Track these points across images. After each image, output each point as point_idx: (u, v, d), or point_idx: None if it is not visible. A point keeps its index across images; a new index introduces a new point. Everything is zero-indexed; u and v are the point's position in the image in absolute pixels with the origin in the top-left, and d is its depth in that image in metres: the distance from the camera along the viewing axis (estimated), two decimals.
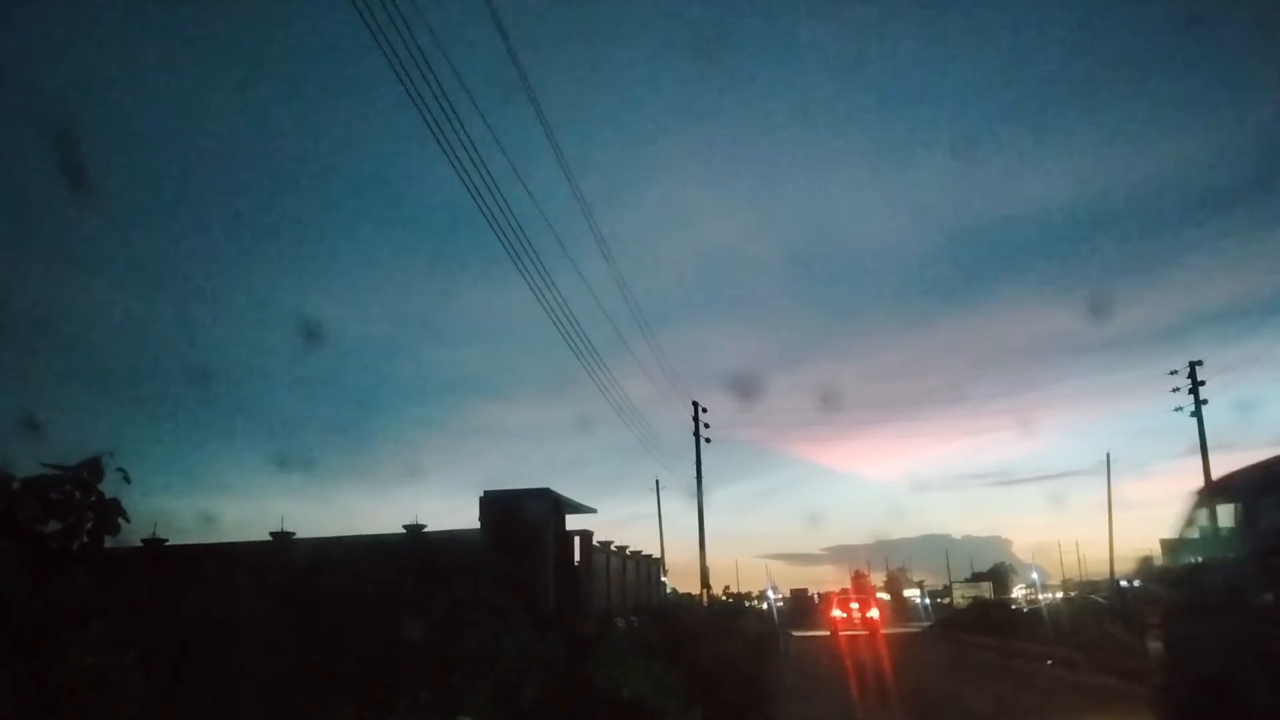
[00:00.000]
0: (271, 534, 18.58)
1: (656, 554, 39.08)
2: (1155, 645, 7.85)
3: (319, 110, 63.74)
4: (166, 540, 16.56)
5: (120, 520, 4.08)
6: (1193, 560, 7.62)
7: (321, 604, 8.89)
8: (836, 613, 35.22)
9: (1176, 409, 34.93)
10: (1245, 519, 6.68)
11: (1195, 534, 7.40)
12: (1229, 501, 7.00)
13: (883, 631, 32.54)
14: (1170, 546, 7.89)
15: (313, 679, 6.00)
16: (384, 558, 15.97)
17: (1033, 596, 54.18)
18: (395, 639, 7.66)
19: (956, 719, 11.04)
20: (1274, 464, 6.42)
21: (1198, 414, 34.28)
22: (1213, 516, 7.21)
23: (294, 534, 18.56)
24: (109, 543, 4.13)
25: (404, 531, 18.40)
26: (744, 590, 75.34)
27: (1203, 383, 34.34)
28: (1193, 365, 34.58)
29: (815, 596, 66.06)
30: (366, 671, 6.49)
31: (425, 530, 18.47)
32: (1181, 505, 7.57)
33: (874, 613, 35.34)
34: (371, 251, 69.83)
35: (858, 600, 37.01)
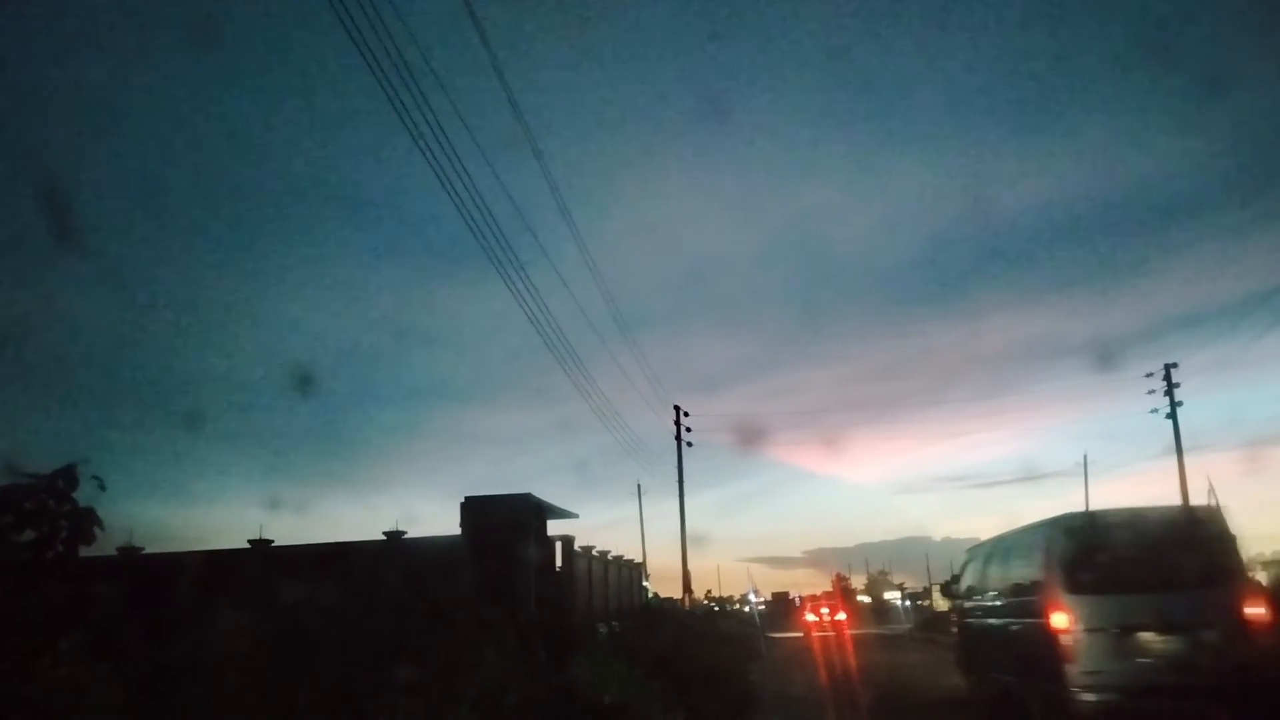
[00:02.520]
0: (249, 542, 18.43)
1: (638, 558, 39.10)
2: (953, 629, 15.09)
3: (298, 116, 63.41)
4: (143, 549, 16.41)
5: (95, 529, 4.03)
6: (959, 587, 13.35)
7: (299, 612, 8.82)
8: (810, 616, 40.44)
9: (1152, 411, 35.36)
10: (965, 570, 13.12)
11: (962, 573, 13.23)
12: (966, 560, 13.25)
13: (849, 632, 36.09)
14: (953, 576, 14.52)
15: (290, 689, 5.94)
16: (364, 565, 15.86)
17: None
18: (374, 647, 7.61)
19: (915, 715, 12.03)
20: (978, 547, 12.91)
21: (1173, 416, 34.69)
22: (965, 565, 13.20)
23: (272, 542, 18.42)
24: (84, 552, 4.08)
25: (384, 538, 18.30)
26: (726, 594, 75.55)
27: (1178, 385, 34.77)
28: (1168, 368, 35.01)
29: (796, 599, 66.38)
30: (345, 681, 6.44)
31: (406, 536, 18.38)
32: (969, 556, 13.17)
33: (841, 615, 40.02)
34: (352, 257, 69.53)
35: (828, 605, 42.32)
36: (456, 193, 11.22)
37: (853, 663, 19.76)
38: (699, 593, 56.77)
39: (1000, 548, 11.40)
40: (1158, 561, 8.47)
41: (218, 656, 6.06)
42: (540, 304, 15.73)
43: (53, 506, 3.93)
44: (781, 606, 65.20)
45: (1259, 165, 72.47)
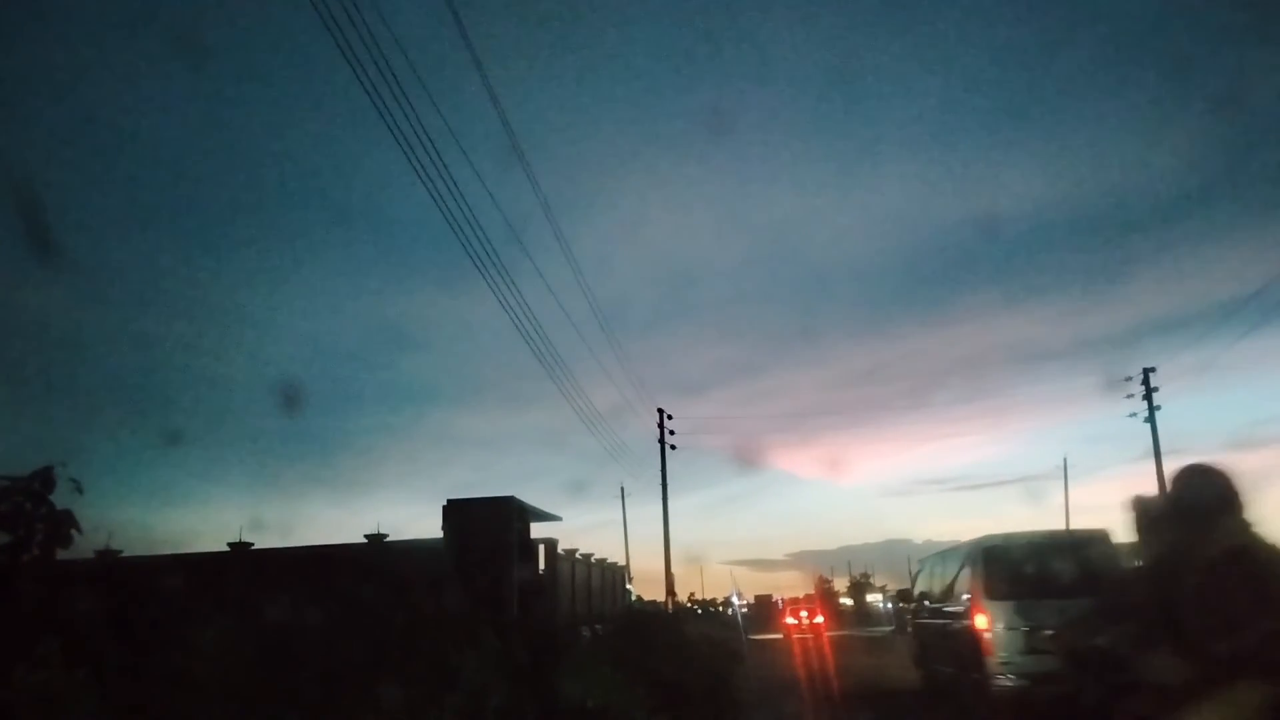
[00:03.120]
0: (229, 545, 18.27)
1: (622, 561, 39.06)
2: (909, 630, 16.26)
3: (284, 118, 63.03)
4: (121, 552, 16.21)
5: (72, 532, 3.98)
6: (913, 593, 14.90)
7: (279, 616, 8.75)
8: (789, 619, 41.95)
9: (1131, 415, 35.69)
10: (917, 579, 14.93)
11: (915, 581, 15.06)
12: (918, 571, 15.30)
13: (828, 634, 37.98)
14: (912, 580, 15.81)
15: (269, 695, 5.89)
16: (345, 568, 15.77)
17: None
18: (355, 652, 7.56)
19: (886, 708, 12.98)
20: (926, 559, 14.93)
21: (1151, 420, 35.02)
22: (917, 575, 15.11)
23: (252, 545, 18.27)
24: (61, 555, 4.03)
25: (365, 541, 18.19)
26: (709, 596, 75.56)
27: (1156, 389, 35.10)
28: (1146, 372, 35.32)
29: (779, 602, 66.45)
30: (325, 686, 6.39)
31: (387, 540, 18.28)
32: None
33: (819, 619, 41.43)
34: (334, 259, 69.19)
35: (806, 609, 43.91)
36: (440, 195, 11.20)
37: (830, 663, 21.17)
38: (682, 595, 56.80)
39: (940, 562, 13.40)
40: (1057, 574, 10.06)
41: (196, 662, 6.00)
42: (524, 307, 15.73)
43: (29, 509, 3.87)
44: (764, 609, 65.37)
45: (1238, 171, 73.42)
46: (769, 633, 43.32)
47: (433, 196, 11.12)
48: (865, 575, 77.69)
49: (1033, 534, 11.52)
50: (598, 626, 21.52)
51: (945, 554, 13.25)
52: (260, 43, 58.54)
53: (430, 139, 10.70)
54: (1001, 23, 69.65)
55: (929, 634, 13.41)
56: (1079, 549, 10.56)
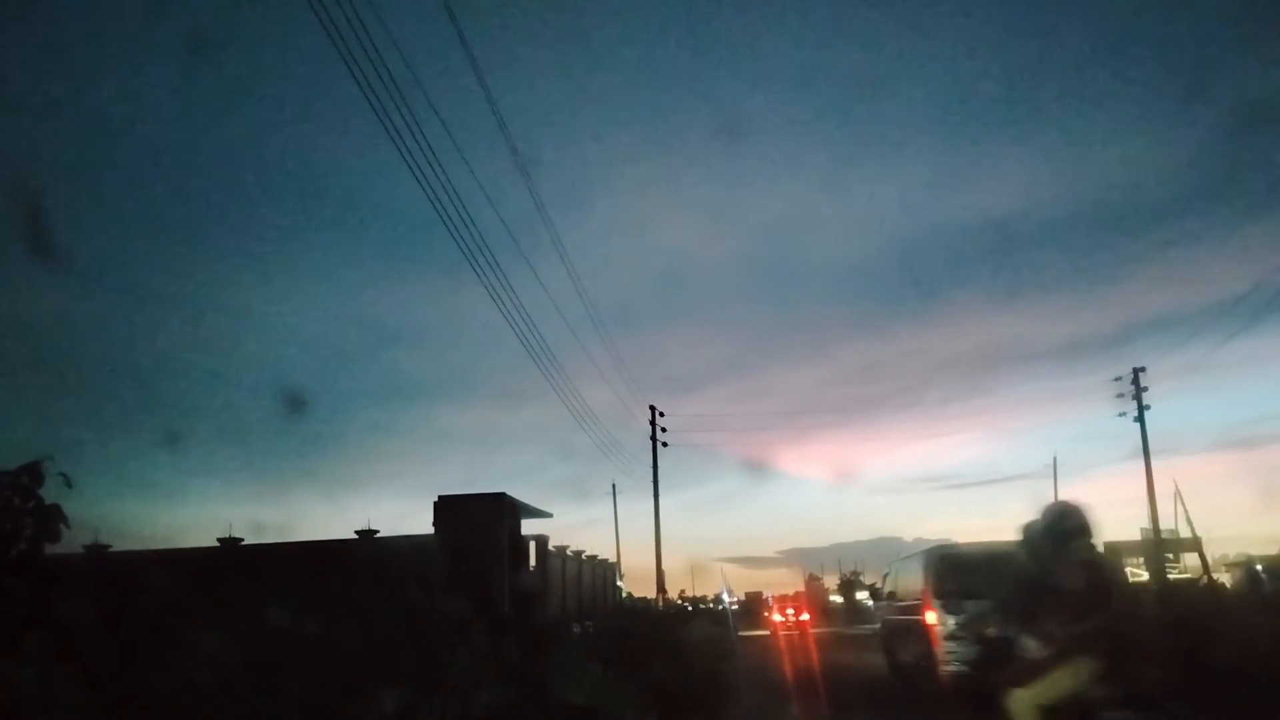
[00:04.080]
0: (219, 540, 18.18)
1: (613, 558, 39.08)
2: (879, 625, 18.75)
3: (274, 112, 62.82)
4: (110, 547, 16.13)
5: (61, 526, 3.96)
6: (882, 592, 17.81)
7: (269, 613, 8.72)
8: (776, 616, 43.81)
9: (1121, 414, 35.92)
10: (885, 580, 17.47)
11: (883, 582, 17.68)
12: (886, 573, 17.26)
13: (813, 630, 39.36)
14: (882, 581, 18.31)
15: (259, 693, 5.87)
16: (336, 564, 15.72)
17: None
18: (346, 649, 7.54)
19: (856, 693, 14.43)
20: (893, 563, 16.84)
21: (1140, 419, 35.26)
22: (885, 577, 17.42)
23: (242, 540, 18.20)
24: (49, 550, 4.00)
25: (356, 537, 18.13)
26: (700, 593, 75.55)
27: (1145, 389, 35.29)
28: (1136, 372, 35.54)
29: (770, 599, 66.59)
30: (315, 683, 6.37)
31: (378, 535, 18.23)
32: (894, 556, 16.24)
33: (805, 616, 42.65)
34: (327, 254, 68.99)
35: (793, 606, 45.58)
36: (434, 191, 11.16)
37: (814, 657, 23.35)
38: (673, 592, 56.81)
39: (904, 565, 15.31)
40: (990, 579, 10.83)
41: (185, 659, 5.97)
42: (517, 304, 15.74)
43: (17, 503, 3.85)
44: (755, 606, 65.55)
45: (1229, 173, 73.79)
46: (759, 629, 43.85)
47: (427, 193, 11.10)
48: (855, 573, 77.94)
49: (976, 544, 13.23)
50: (588, 623, 21.54)
51: (908, 559, 15.18)
52: (253, 37, 58.31)
53: (424, 134, 10.68)
54: (995, 23, 69.86)
55: (893, 627, 15.65)
56: (1010, 557, 11.66)
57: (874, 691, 14.60)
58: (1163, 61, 71.27)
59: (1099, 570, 5.25)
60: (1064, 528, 5.36)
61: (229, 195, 63.54)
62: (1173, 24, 71.49)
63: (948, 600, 12.14)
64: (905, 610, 14.45)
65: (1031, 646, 5.21)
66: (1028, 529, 5.61)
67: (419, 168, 10.62)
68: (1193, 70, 71.53)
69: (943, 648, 11.81)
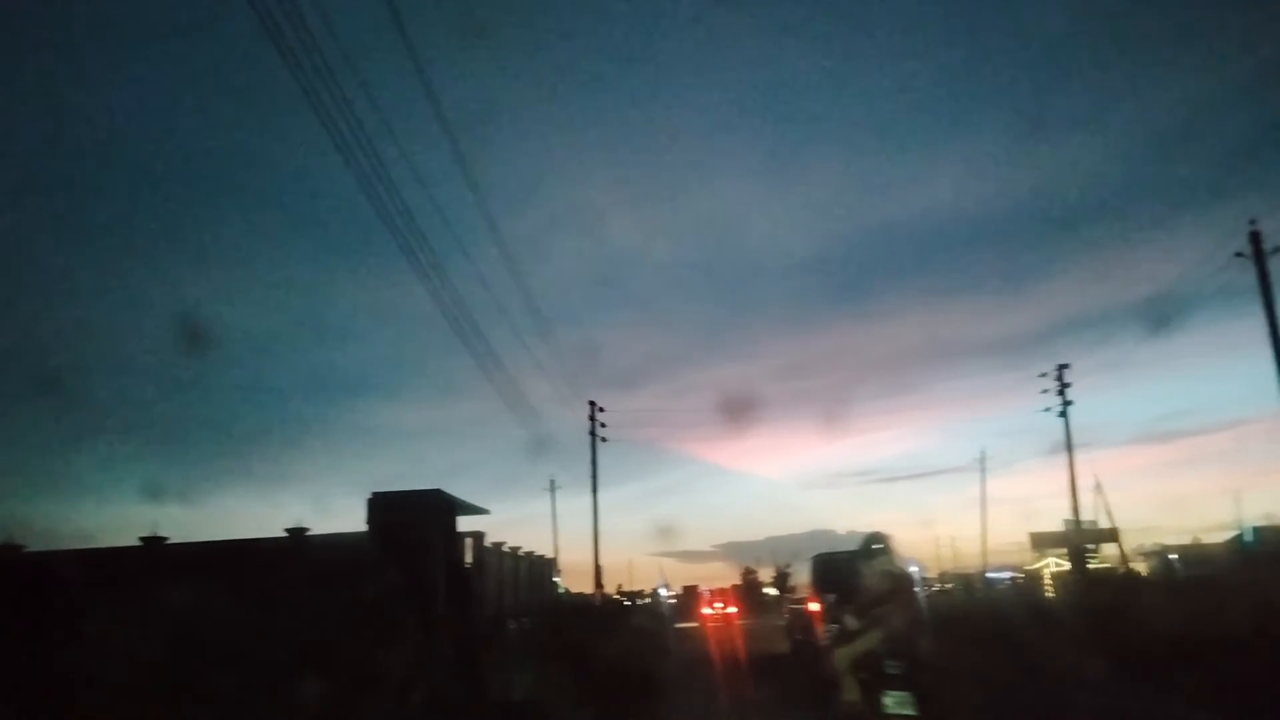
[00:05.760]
0: (141, 539, 17.58)
1: (551, 554, 38.93)
2: (785, 614, 23.15)
3: (199, 94, 60.93)
4: (24, 547, 15.49)
5: None
6: (786, 585, 32.78)
7: (196, 613, 8.47)
8: (706, 610, 45.05)
9: (1045, 410, 37.01)
10: (789, 578, 28.70)
11: (790, 577, 28.34)
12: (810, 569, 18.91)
13: (739, 622, 40.59)
14: (809, 572, 19.30)
15: (184, 692, 5.70)
16: (264, 563, 15.33)
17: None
18: (274, 648, 7.36)
19: (779, 687, 15.26)
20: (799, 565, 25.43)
21: (1064, 415, 36.37)
22: (791, 573, 27.14)
23: (167, 539, 17.63)
24: None
25: (286, 535, 17.73)
26: (637, 588, 75.75)
27: (1069, 385, 36.44)
28: (1060, 369, 36.66)
29: (706, 593, 67.23)
30: (241, 684, 6.21)
31: (309, 533, 17.84)
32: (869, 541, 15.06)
33: (732, 609, 44.88)
34: (255, 243, 67.21)
35: (721, 600, 48.45)
36: (368, 178, 10.96)
37: (742, 646, 25.24)
38: (610, 587, 56.88)
39: (803, 565, 20.04)
40: (854, 577, 12.28)
41: (103, 660, 5.77)
42: (454, 296, 15.52)
43: None
44: (692, 599, 66.07)
45: (1152, 176, 76.58)
46: (695, 622, 44.46)
47: (360, 180, 10.88)
48: (788, 565, 79.01)
49: (841, 551, 16.07)
50: (525, 620, 21.41)
51: (808, 561, 18.95)
52: (177, 18, 56.45)
53: (358, 120, 10.46)
54: (928, 29, 71.31)
55: (793, 615, 20.41)
56: (853, 563, 14.61)
57: (779, 664, 18.12)
58: (1090, 69, 73.61)
59: (891, 575, 8.21)
60: (871, 547, 8.28)
61: (147, 179, 61.36)
62: (1101, 32, 73.87)
63: (823, 593, 15.69)
64: (798, 601, 19.62)
65: (850, 621, 8.17)
66: (859, 546, 8.44)
67: (351, 152, 10.41)
68: (1118, 76, 74.11)
69: (823, 631, 14.35)
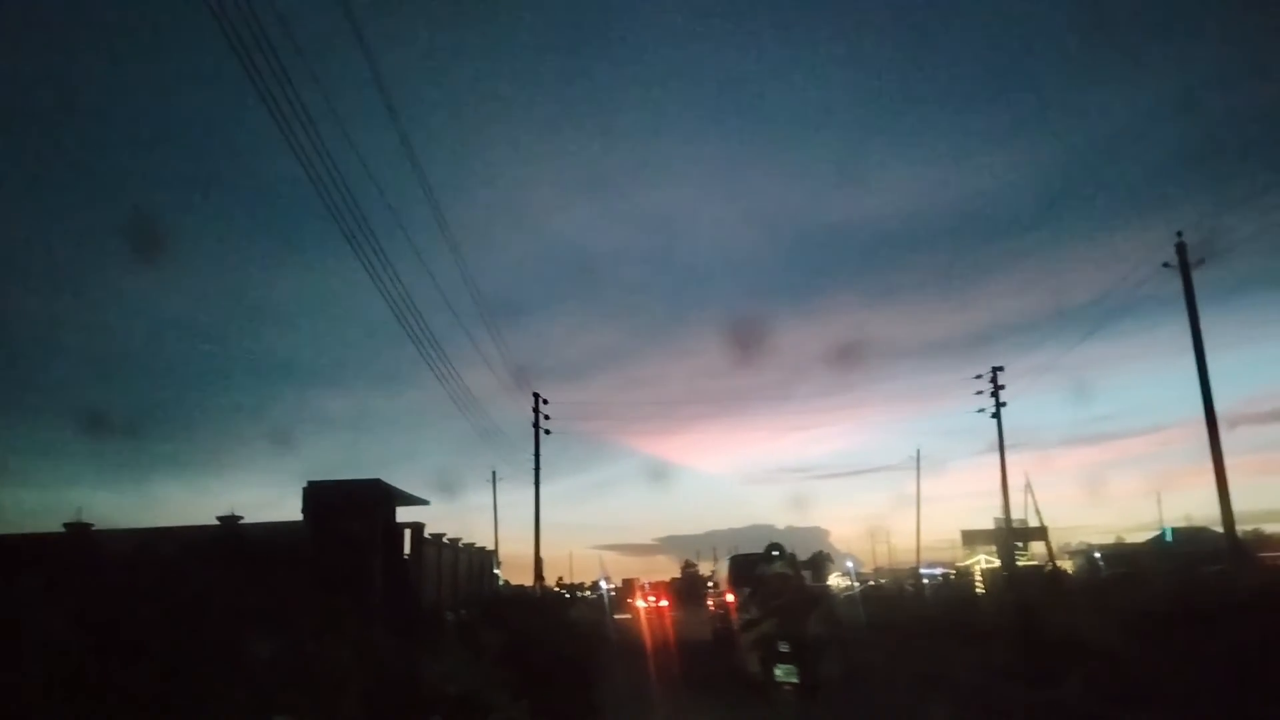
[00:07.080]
0: (65, 525, 17.00)
1: (491, 546, 38.65)
2: (710, 605, 24.91)
3: (140, 73, 58.99)
4: None
5: None
6: (712, 580, 27.99)
7: (121, 603, 8.20)
8: (639, 603, 46.55)
9: (979, 410, 37.89)
10: (715, 572, 29.35)
11: (714, 574, 28.79)
12: (716, 567, 31.70)
13: (671, 614, 41.37)
14: (715, 571, 29.07)
15: (106, 687, 5.50)
16: (195, 552, 14.93)
17: (848, 584, 57.40)
18: (203, 640, 7.16)
19: (702, 668, 16.16)
20: (720, 562, 30.29)
21: (997, 416, 37.28)
22: (715, 569, 29.72)
23: (92, 526, 17.07)
24: None
25: (218, 523, 17.29)
26: (577, 580, 75.75)
27: (1003, 387, 37.35)
28: (995, 371, 37.55)
29: (646, 585, 67.67)
30: (169, 676, 6.03)
31: (242, 522, 17.43)
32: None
33: (664, 602, 46.50)
34: (192, 227, 65.33)
35: (654, 594, 50.29)
36: (310, 162, 10.70)
37: (672, 634, 26.78)
38: (551, 579, 56.84)
39: (721, 566, 22.86)
40: (759, 576, 13.47)
41: (22, 649, 5.55)
42: (397, 284, 15.26)
43: None
44: (630, 592, 66.45)
45: (1084, 186, 78.85)
46: (630, 613, 45.04)
47: (302, 164, 10.61)
48: (708, 560, 79.73)
49: (753, 553, 17.04)
50: (463, 612, 21.23)
51: (722, 561, 22.24)
52: None
53: (301, 102, 10.20)
54: (874, 37, 72.38)
55: (715, 607, 22.62)
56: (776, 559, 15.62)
57: (702, 649, 19.90)
58: (1027, 81, 75.53)
59: (786, 576, 10.97)
60: (770, 551, 11.49)
61: (84, 157, 59.23)
62: (1039, 48, 75.81)
63: (737, 587, 17.40)
64: (719, 594, 21.95)
65: (752, 610, 10.75)
66: (763, 551, 11.25)
67: (293, 134, 10.14)
68: (1054, 90, 76.08)
69: (738, 617, 15.34)
